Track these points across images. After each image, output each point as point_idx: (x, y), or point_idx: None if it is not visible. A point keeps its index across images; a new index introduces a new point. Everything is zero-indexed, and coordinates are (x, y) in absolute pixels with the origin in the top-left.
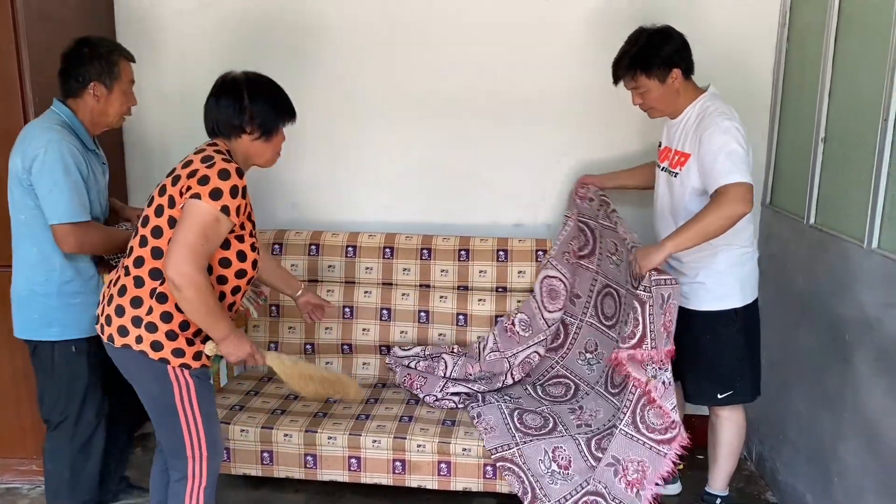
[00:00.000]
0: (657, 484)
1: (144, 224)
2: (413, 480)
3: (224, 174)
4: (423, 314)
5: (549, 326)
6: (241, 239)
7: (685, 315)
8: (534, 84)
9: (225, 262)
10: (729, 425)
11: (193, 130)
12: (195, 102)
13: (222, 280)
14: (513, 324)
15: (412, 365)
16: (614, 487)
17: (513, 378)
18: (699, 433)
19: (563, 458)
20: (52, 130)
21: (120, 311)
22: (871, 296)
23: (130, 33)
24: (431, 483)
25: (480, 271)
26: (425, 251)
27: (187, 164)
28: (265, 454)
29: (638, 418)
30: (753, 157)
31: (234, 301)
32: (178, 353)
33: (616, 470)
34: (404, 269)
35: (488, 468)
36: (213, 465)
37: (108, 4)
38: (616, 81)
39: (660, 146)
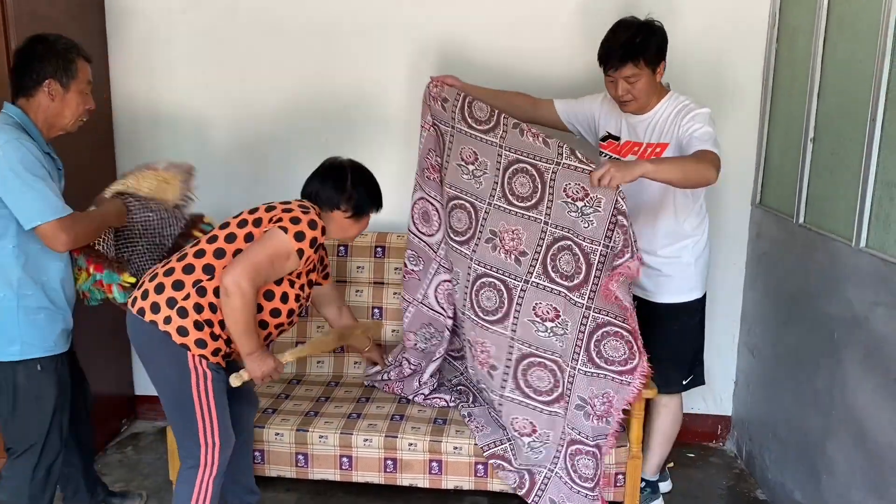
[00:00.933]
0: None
1: (223, 228)
2: (405, 479)
3: (313, 224)
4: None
5: (436, 252)
6: (292, 283)
7: (652, 307)
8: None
9: (268, 295)
10: (666, 412)
11: (183, 127)
12: (184, 100)
13: (258, 309)
14: (405, 266)
15: (384, 377)
16: (586, 427)
17: (449, 317)
18: (690, 432)
19: (527, 425)
20: (6, 130)
21: (159, 289)
22: (859, 294)
23: (121, 32)
24: (423, 482)
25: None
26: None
27: (285, 208)
28: (256, 453)
29: (594, 354)
30: (738, 157)
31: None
32: (201, 343)
33: (586, 411)
34: (395, 269)
35: (479, 466)
36: (225, 455)
37: (97, 4)
38: (613, 68)
39: (604, 139)
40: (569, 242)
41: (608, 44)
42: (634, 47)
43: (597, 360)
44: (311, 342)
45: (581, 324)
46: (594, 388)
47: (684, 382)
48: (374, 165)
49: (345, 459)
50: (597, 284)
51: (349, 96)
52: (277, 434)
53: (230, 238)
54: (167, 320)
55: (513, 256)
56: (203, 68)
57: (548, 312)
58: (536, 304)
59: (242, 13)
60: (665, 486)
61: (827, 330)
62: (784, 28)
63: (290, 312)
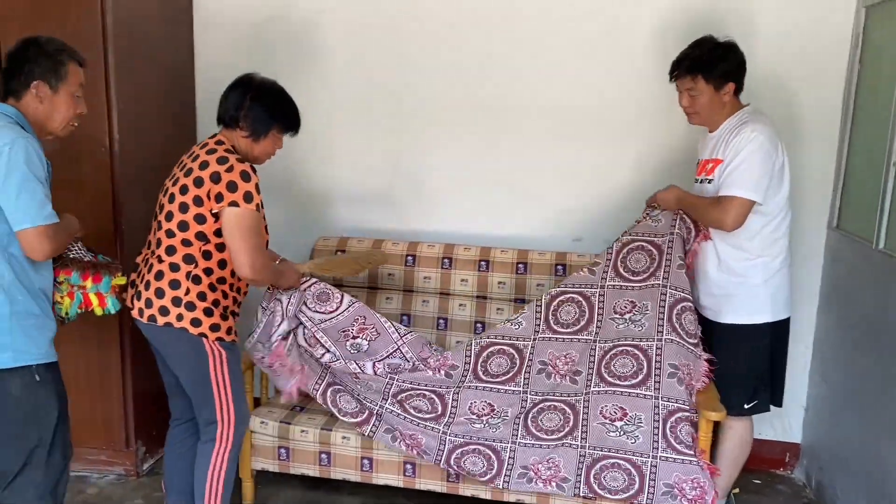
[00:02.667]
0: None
1: (169, 218)
2: (467, 490)
3: (245, 175)
4: (479, 325)
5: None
6: None
7: (714, 327)
8: (593, 98)
9: (223, 264)
10: (732, 434)
11: None
12: None
13: (222, 281)
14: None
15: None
16: (685, 394)
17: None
18: (757, 458)
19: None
20: (12, 129)
21: (160, 294)
22: None
23: (207, 41)
24: (485, 494)
25: (538, 284)
26: (483, 263)
27: (204, 165)
28: (323, 455)
29: (677, 325)
30: (815, 179)
31: (236, 297)
32: (215, 328)
33: (679, 378)
34: (462, 280)
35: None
36: (240, 431)
37: (187, 12)
38: (672, 78)
39: (698, 163)
40: (622, 347)
41: (680, 54)
42: (698, 63)
43: (681, 332)
44: (328, 259)
45: (654, 417)
46: (682, 357)
47: (745, 406)
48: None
49: (408, 466)
50: (659, 377)
51: (401, 114)
52: (344, 437)
53: (183, 227)
54: (179, 318)
55: (567, 378)
56: (285, 77)
57: (615, 412)
58: (603, 406)
59: (326, 24)
60: None
61: None
62: (868, 48)
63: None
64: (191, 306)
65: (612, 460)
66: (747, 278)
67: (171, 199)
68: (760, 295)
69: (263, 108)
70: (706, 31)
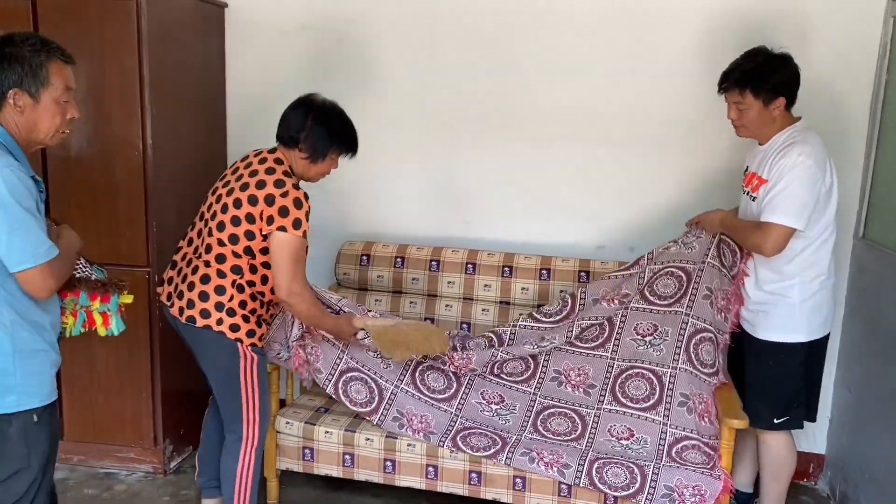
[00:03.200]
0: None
1: (221, 228)
2: (488, 493)
3: (298, 203)
4: None
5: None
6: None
7: (751, 340)
8: (627, 107)
9: (265, 279)
10: (766, 449)
11: None
12: None
13: (261, 294)
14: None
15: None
16: (693, 423)
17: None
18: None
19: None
20: None
21: (204, 297)
22: None
23: (239, 51)
24: (506, 497)
25: (561, 290)
26: (506, 269)
27: (261, 184)
28: (346, 456)
29: (693, 355)
30: (838, 188)
31: (269, 308)
32: (250, 333)
33: (689, 407)
34: (485, 285)
35: (564, 487)
36: (264, 428)
37: (219, 21)
38: (721, 91)
39: (746, 170)
40: (638, 370)
41: (730, 66)
42: (747, 76)
43: (695, 363)
44: (388, 332)
45: (659, 440)
46: (693, 387)
47: (775, 421)
48: None
49: (430, 469)
50: (669, 404)
51: (458, 122)
52: (368, 439)
53: (233, 240)
54: (219, 322)
55: (581, 389)
56: (313, 84)
57: (623, 432)
58: (612, 425)
59: (349, 38)
60: None
61: None
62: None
63: None
64: (231, 312)
65: (617, 461)
66: (784, 297)
67: (225, 209)
68: (796, 314)
69: (324, 130)
70: (747, 43)
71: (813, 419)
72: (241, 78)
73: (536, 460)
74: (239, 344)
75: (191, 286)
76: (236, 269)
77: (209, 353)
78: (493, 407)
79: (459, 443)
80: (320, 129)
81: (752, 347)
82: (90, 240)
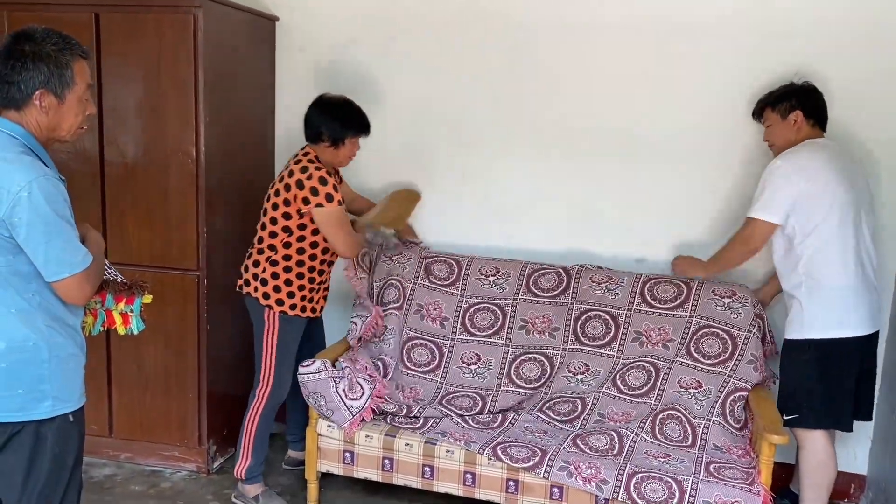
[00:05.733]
0: None
1: (264, 214)
2: (525, 501)
3: (322, 181)
4: None
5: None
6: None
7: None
8: (662, 123)
9: (314, 244)
10: (805, 455)
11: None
12: None
13: (290, 269)
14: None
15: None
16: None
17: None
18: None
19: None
20: (27, 165)
21: (246, 269)
22: None
23: (289, 64)
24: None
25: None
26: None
27: (291, 173)
28: (386, 461)
29: (727, 411)
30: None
31: (323, 269)
32: (280, 302)
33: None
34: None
35: (601, 500)
36: (274, 395)
37: (270, 35)
38: (755, 117)
39: None
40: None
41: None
42: (768, 97)
43: (728, 418)
44: (381, 212)
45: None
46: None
47: (786, 417)
48: None
49: (468, 476)
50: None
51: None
52: (407, 444)
53: (273, 221)
54: (255, 290)
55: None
56: (358, 94)
57: (659, 454)
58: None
59: (396, 53)
60: None
61: None
62: None
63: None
64: (264, 282)
65: (655, 475)
66: (793, 297)
67: (268, 200)
68: (804, 312)
69: (337, 120)
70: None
71: (849, 428)
72: (290, 90)
73: (574, 475)
74: (268, 310)
75: (246, 268)
76: (271, 248)
77: (252, 317)
78: (536, 435)
79: (499, 452)
80: (334, 121)
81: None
82: (143, 243)
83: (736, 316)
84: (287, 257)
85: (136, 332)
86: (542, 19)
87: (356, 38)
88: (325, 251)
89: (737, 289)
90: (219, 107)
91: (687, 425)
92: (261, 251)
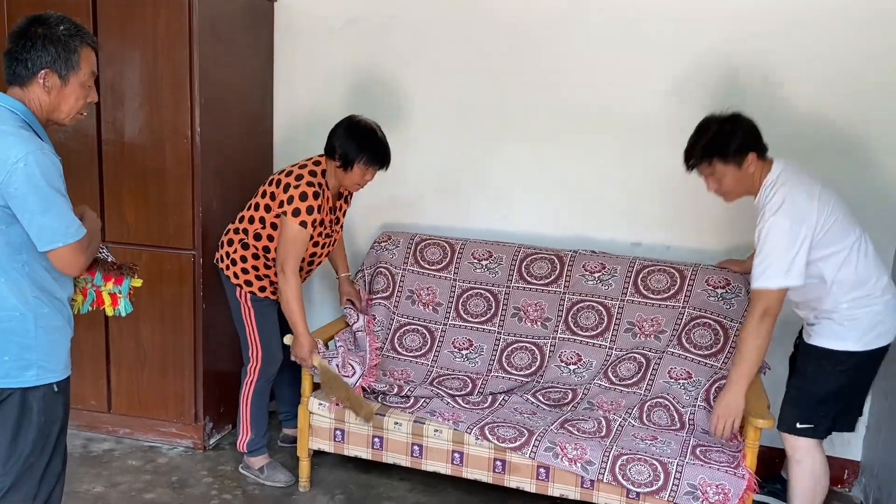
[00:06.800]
0: None
1: (256, 209)
2: (512, 481)
3: (303, 196)
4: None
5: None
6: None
7: (804, 346)
8: (660, 105)
9: (267, 249)
10: (802, 471)
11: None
12: (341, 110)
13: (257, 256)
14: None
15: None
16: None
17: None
18: None
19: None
20: (24, 139)
21: (222, 245)
22: None
23: (286, 45)
24: (530, 486)
25: None
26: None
27: (289, 173)
28: (375, 439)
29: (712, 397)
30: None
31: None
32: (248, 283)
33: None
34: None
35: (587, 481)
36: (265, 371)
37: (268, 16)
38: (689, 168)
39: None
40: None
41: (688, 145)
42: (709, 148)
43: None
44: (333, 376)
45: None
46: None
47: (798, 426)
48: None
49: (457, 455)
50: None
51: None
52: (396, 423)
53: (256, 207)
54: (227, 268)
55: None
56: (358, 79)
57: (647, 436)
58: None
59: (394, 33)
60: None
61: None
62: None
63: (312, 255)
64: (234, 262)
65: (640, 457)
66: (830, 312)
67: (262, 195)
68: (844, 326)
69: (354, 141)
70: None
71: (853, 428)
72: (288, 72)
73: (560, 456)
74: (239, 289)
75: (221, 243)
76: (245, 231)
77: (227, 295)
78: (525, 416)
79: (487, 433)
80: (351, 140)
81: (803, 352)
82: (140, 223)
83: (728, 306)
84: (256, 248)
85: (123, 314)
86: (538, 0)
87: (355, 19)
88: (311, 255)
89: (731, 277)
90: (215, 88)
91: (674, 412)
92: (237, 231)
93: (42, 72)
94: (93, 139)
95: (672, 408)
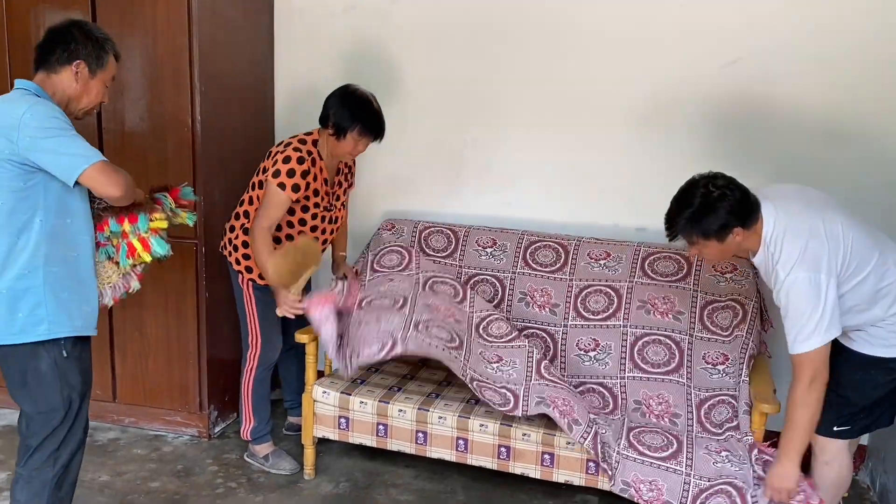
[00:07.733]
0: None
1: (252, 188)
2: (516, 468)
3: (286, 160)
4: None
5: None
6: (305, 209)
7: (848, 353)
8: (661, 90)
9: (290, 224)
10: (828, 471)
11: None
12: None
13: (278, 240)
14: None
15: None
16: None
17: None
18: None
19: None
20: (26, 98)
21: (225, 232)
22: None
23: (287, 30)
24: (535, 472)
25: None
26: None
27: (279, 144)
28: (380, 427)
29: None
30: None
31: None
32: (249, 270)
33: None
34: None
35: (591, 464)
36: (263, 359)
37: (268, 5)
38: (671, 239)
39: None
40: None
41: (668, 214)
42: (689, 226)
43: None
44: (286, 261)
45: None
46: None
47: (835, 429)
48: None
49: (461, 442)
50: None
51: (501, 102)
52: (401, 411)
53: (252, 187)
54: (230, 254)
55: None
56: (360, 64)
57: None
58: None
59: (395, 18)
60: None
61: None
62: None
63: (314, 228)
64: (236, 248)
65: (652, 428)
66: (874, 324)
67: (258, 172)
68: (883, 331)
69: (348, 110)
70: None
71: (887, 424)
72: (288, 58)
73: (551, 407)
74: (241, 275)
75: (223, 230)
76: (245, 214)
77: (231, 280)
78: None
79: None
80: (345, 109)
81: (847, 359)
82: None
83: (740, 287)
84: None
85: (162, 254)
86: None
87: (356, 4)
88: (295, 226)
89: (737, 262)
90: (215, 74)
91: (735, 405)
92: (237, 216)
93: (77, 61)
94: (93, 128)
95: (732, 403)
